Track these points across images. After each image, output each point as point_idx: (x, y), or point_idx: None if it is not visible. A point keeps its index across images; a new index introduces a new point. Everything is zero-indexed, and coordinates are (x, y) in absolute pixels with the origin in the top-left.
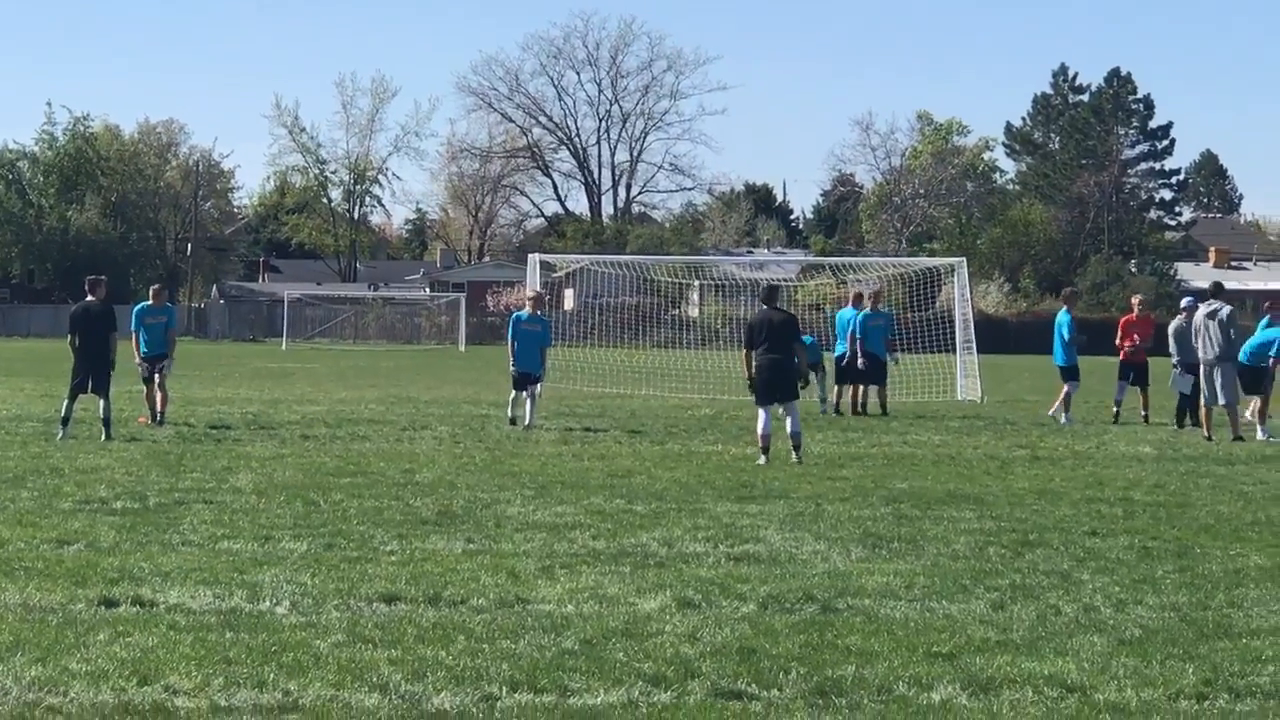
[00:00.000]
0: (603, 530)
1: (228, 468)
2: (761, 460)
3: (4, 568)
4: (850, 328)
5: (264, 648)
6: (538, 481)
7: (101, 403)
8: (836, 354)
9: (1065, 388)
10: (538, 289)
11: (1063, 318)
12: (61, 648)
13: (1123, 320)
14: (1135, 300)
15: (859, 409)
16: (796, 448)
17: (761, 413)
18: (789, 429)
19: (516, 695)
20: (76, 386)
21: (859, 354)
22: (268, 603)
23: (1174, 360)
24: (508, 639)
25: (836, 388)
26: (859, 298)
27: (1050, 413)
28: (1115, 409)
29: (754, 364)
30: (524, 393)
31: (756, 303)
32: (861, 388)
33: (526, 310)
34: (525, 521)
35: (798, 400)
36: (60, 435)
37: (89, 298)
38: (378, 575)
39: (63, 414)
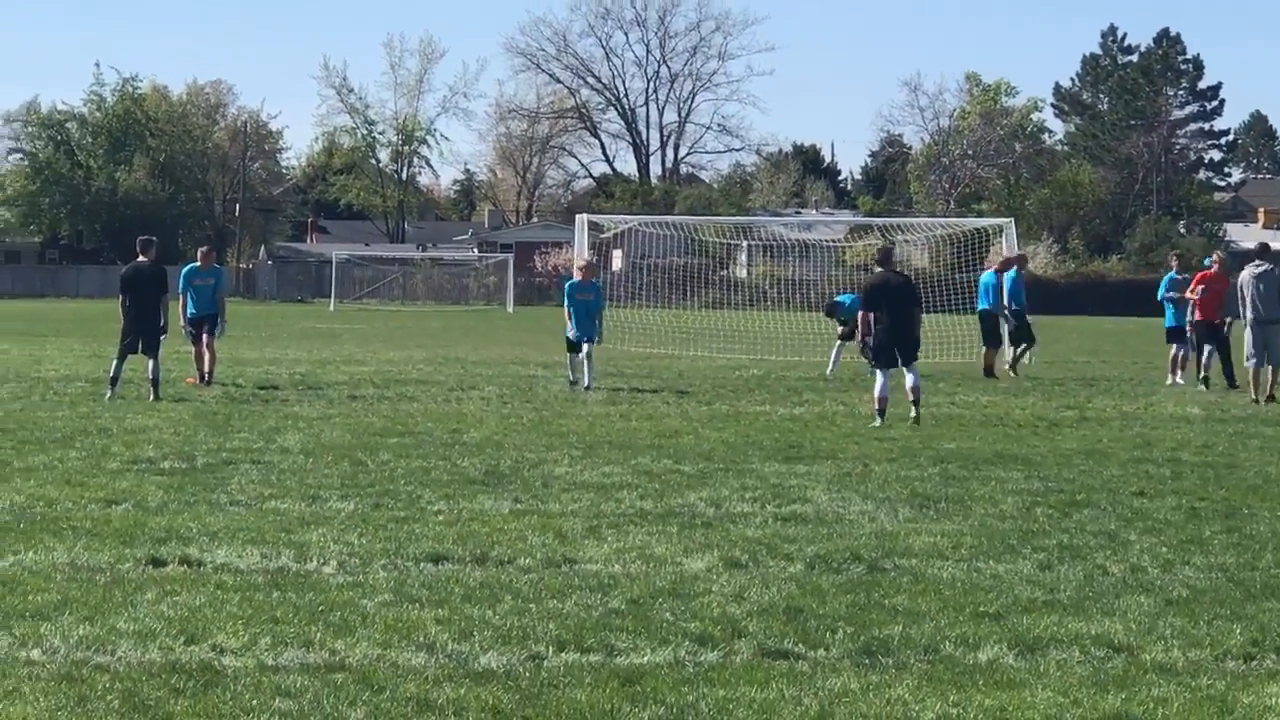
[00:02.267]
0: (650, 490)
1: (275, 428)
2: (877, 422)
3: (52, 527)
4: (1005, 289)
5: (311, 607)
6: (585, 441)
7: (150, 363)
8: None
9: (1171, 350)
10: (588, 257)
11: (1168, 278)
12: (109, 607)
13: (1202, 276)
14: (1217, 257)
15: (1003, 370)
16: (916, 402)
17: (880, 375)
18: (909, 383)
19: (563, 655)
20: (126, 347)
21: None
22: (315, 562)
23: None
24: (555, 599)
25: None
26: (1019, 260)
27: (1168, 384)
28: (1203, 373)
29: (873, 326)
30: (580, 354)
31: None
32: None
33: (578, 278)
34: (572, 481)
35: (917, 360)
36: (109, 395)
37: (140, 259)
38: (425, 535)
39: (111, 374)
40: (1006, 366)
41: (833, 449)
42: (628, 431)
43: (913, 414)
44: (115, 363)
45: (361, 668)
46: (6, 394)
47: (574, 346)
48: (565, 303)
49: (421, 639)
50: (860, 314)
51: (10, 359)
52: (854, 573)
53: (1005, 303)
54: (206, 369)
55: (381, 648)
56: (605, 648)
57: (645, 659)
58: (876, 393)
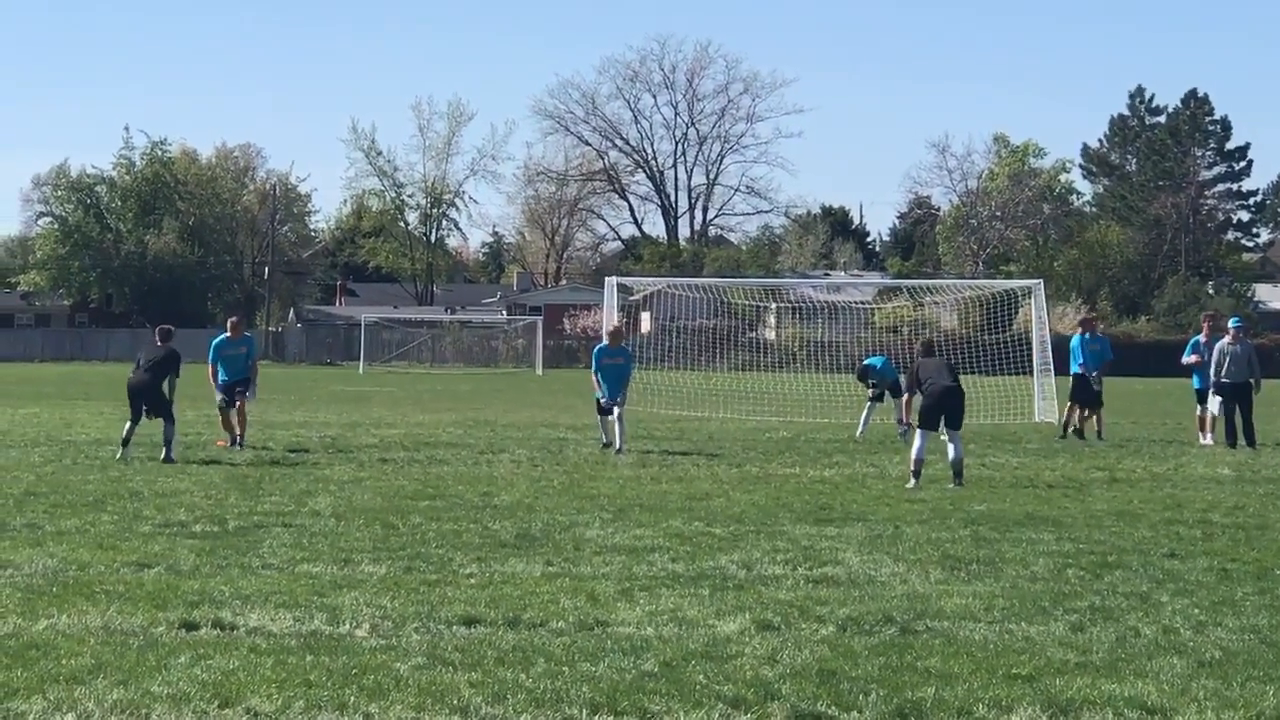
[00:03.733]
0: (682, 553)
1: (306, 491)
2: (911, 483)
3: (85, 590)
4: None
5: (345, 670)
6: (616, 504)
7: (165, 425)
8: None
9: (1199, 410)
10: (616, 322)
11: (1193, 342)
12: (143, 670)
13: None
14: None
15: (1075, 431)
16: (958, 474)
17: (919, 436)
18: (952, 454)
19: (597, 718)
20: (135, 416)
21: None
22: (348, 625)
23: (1212, 380)
24: (588, 661)
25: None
26: (1083, 323)
27: (1200, 444)
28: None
29: (922, 396)
30: (611, 417)
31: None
32: (1081, 410)
33: (607, 343)
34: (604, 544)
35: (961, 430)
36: (119, 454)
37: (158, 342)
38: (457, 598)
39: (123, 435)
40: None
41: (864, 511)
42: (659, 494)
43: (955, 484)
44: (127, 425)
45: None
46: (38, 457)
47: (605, 410)
48: (594, 366)
49: (455, 702)
50: (905, 398)
51: (41, 422)
52: (886, 635)
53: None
54: (238, 431)
55: (415, 711)
56: (639, 710)
57: None
58: (914, 454)
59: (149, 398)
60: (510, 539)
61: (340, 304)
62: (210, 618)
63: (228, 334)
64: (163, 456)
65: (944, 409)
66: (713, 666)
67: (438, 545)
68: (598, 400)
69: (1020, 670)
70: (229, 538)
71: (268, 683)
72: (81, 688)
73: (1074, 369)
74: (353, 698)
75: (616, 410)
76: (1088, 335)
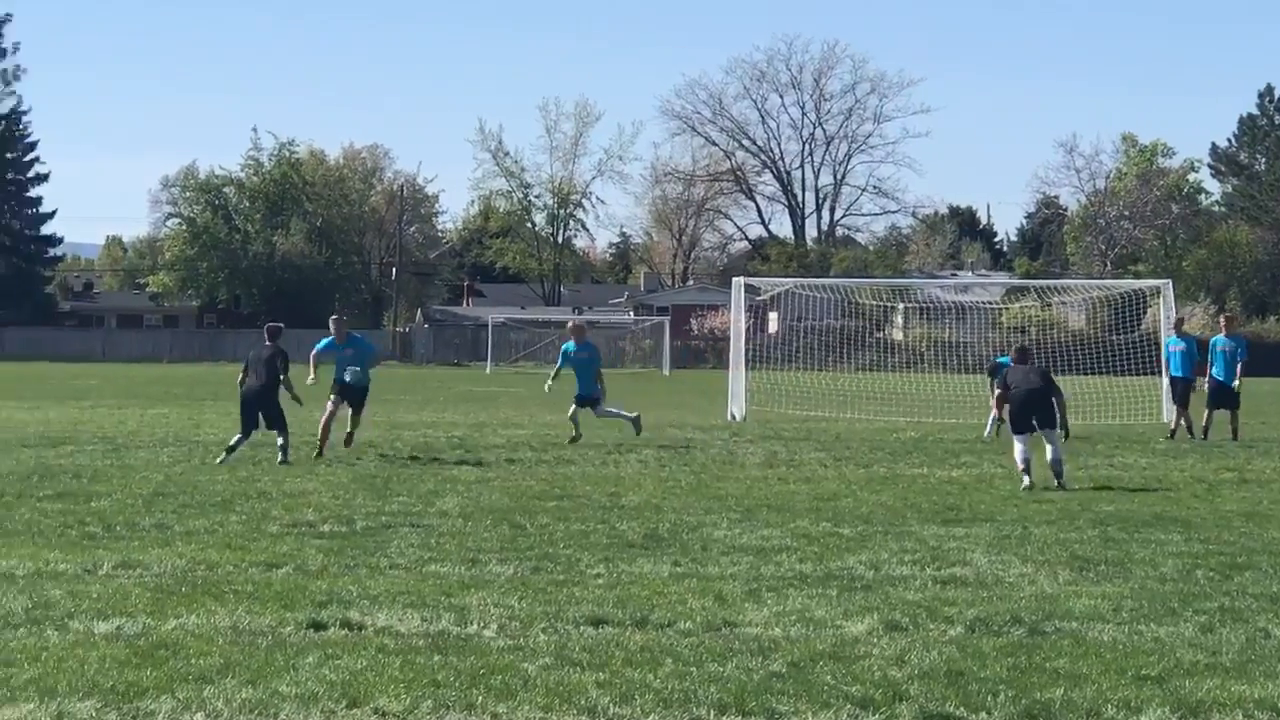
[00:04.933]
0: (809, 553)
1: (434, 491)
2: (1025, 482)
3: (214, 590)
4: (1217, 353)
5: (472, 670)
6: (744, 505)
7: (279, 433)
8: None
9: None
10: (576, 320)
11: None
12: (271, 670)
13: None
14: None
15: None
16: (1059, 475)
17: (1017, 441)
18: (1050, 457)
19: (725, 718)
20: (246, 429)
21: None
22: (476, 626)
23: None
24: (715, 662)
25: (1207, 412)
26: (1229, 321)
27: None
28: None
29: (1009, 399)
30: (582, 409)
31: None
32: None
33: (572, 342)
34: (732, 545)
35: (1056, 430)
36: (220, 459)
37: (266, 342)
38: (585, 598)
39: (231, 443)
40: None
41: (991, 512)
42: (786, 495)
43: (1056, 484)
44: (238, 435)
45: None
46: (167, 458)
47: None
48: (559, 363)
49: (583, 702)
50: (996, 395)
51: (170, 422)
52: (1014, 636)
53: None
54: (349, 429)
55: (543, 711)
56: (766, 711)
57: None
58: (1017, 457)
59: (264, 405)
60: (638, 539)
61: (468, 304)
62: (338, 618)
63: (331, 337)
64: (279, 459)
65: (1031, 410)
66: (840, 667)
67: (565, 545)
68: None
69: (1149, 671)
70: (357, 538)
71: (395, 683)
72: (210, 687)
73: (1214, 371)
74: (480, 698)
75: (596, 407)
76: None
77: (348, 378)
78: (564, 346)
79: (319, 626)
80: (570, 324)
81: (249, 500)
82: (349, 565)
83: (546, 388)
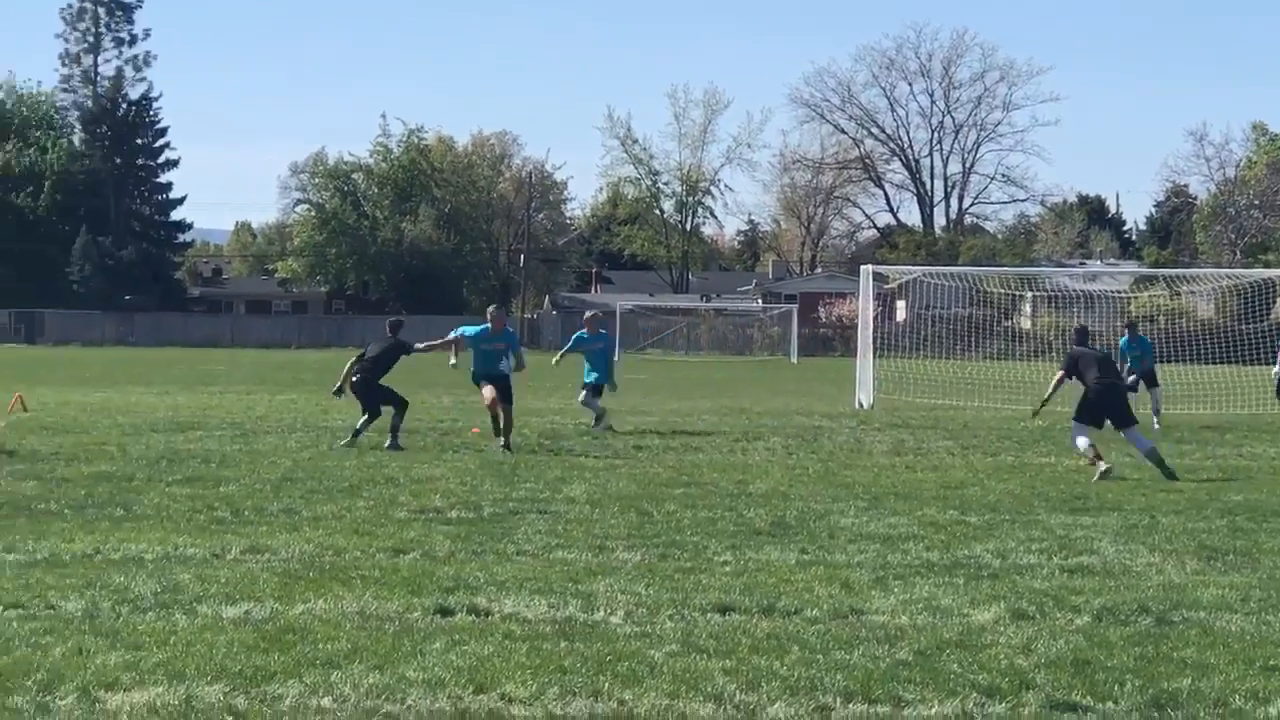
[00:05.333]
0: (936, 541)
1: (561, 478)
2: (1102, 466)
3: (341, 575)
4: None
5: (599, 657)
6: (871, 492)
7: (394, 414)
8: None
9: None
10: (593, 311)
11: None
12: (398, 655)
13: None
14: None
15: None
16: (1160, 464)
17: (1078, 428)
18: (1142, 451)
19: (851, 706)
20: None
21: None
22: (602, 612)
23: None
24: (841, 650)
25: None
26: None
27: None
28: None
29: (1084, 389)
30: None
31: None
32: None
33: (585, 330)
34: (859, 532)
35: (1135, 424)
36: (344, 441)
37: (387, 334)
38: (712, 585)
39: (357, 425)
40: None
41: (1118, 501)
42: (913, 482)
43: (1164, 474)
44: (364, 418)
45: (650, 718)
46: (295, 443)
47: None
48: (570, 348)
49: (709, 689)
50: (1057, 378)
51: (298, 408)
52: (1142, 625)
53: None
54: (504, 425)
55: (669, 698)
56: (893, 699)
57: (933, 710)
58: (1083, 446)
59: (370, 395)
60: (765, 526)
61: (596, 291)
62: (465, 603)
63: (488, 326)
64: (388, 444)
65: (1105, 407)
66: (967, 655)
67: (692, 532)
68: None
69: (1277, 662)
70: (484, 524)
71: (522, 669)
72: (337, 672)
73: None
74: (607, 684)
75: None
76: None
77: (504, 369)
78: (576, 335)
79: (446, 612)
80: (586, 315)
81: (376, 486)
82: (476, 551)
83: (555, 361)
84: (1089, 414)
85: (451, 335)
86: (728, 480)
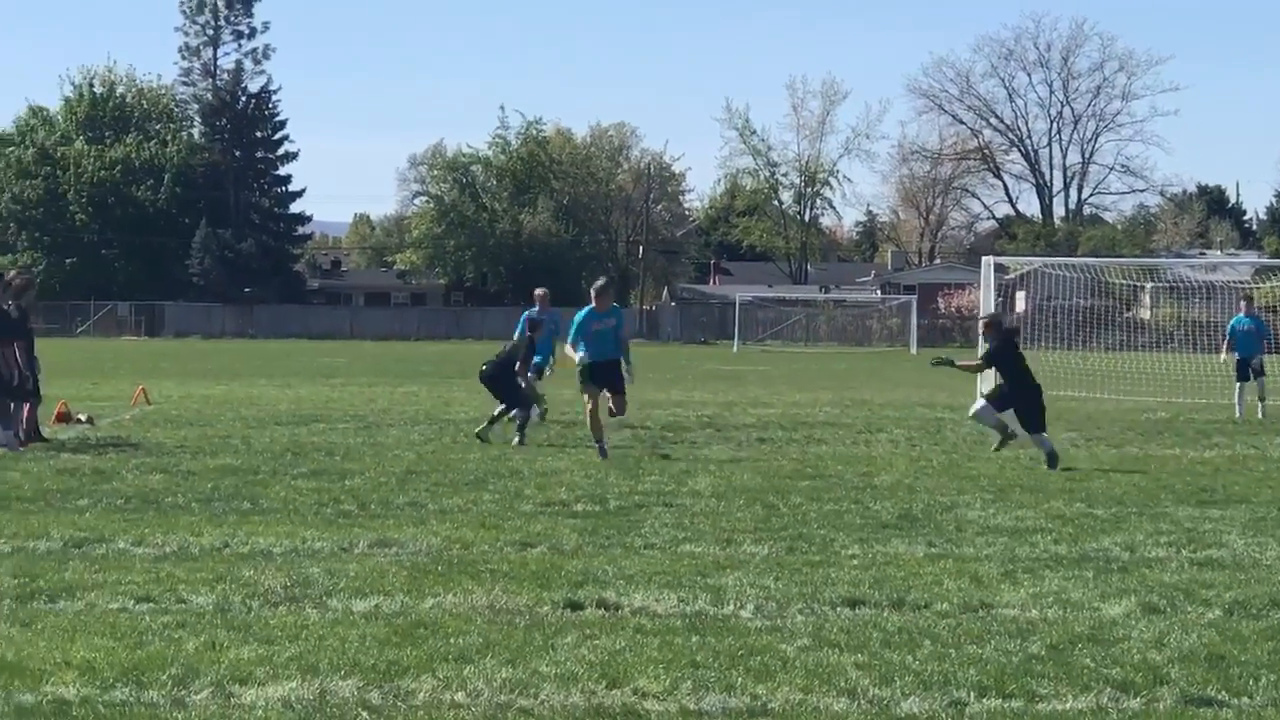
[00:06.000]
0: (1064, 535)
1: (686, 471)
2: (997, 442)
3: (470, 569)
4: None
5: (731, 651)
6: (996, 485)
7: (518, 411)
8: None
9: None
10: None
11: None
12: (530, 650)
13: None
14: None
15: None
16: (1050, 457)
17: (979, 402)
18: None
19: (985, 701)
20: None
21: None
22: (732, 606)
23: None
24: (973, 644)
25: None
26: None
27: None
28: None
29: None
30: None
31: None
32: None
33: (594, 305)
34: (986, 525)
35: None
36: (479, 429)
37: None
38: (841, 579)
39: (495, 412)
40: None
41: (1246, 493)
42: (1038, 475)
43: (1045, 465)
44: (500, 407)
45: (784, 713)
46: (418, 436)
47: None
48: (573, 335)
49: (842, 684)
50: (974, 364)
51: (420, 400)
52: (1274, 619)
53: None
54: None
55: (803, 693)
56: (1026, 694)
57: (1067, 705)
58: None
59: (496, 389)
60: (892, 520)
61: (714, 283)
62: (594, 597)
63: (592, 306)
64: (515, 440)
65: (1014, 405)
66: (1099, 650)
67: (819, 525)
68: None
69: None
70: (610, 517)
71: (654, 663)
72: (470, 666)
73: None
74: (739, 679)
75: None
76: None
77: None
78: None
79: (576, 606)
80: (537, 292)
81: (501, 479)
82: (603, 545)
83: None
84: (1000, 404)
85: (570, 351)
86: (852, 473)
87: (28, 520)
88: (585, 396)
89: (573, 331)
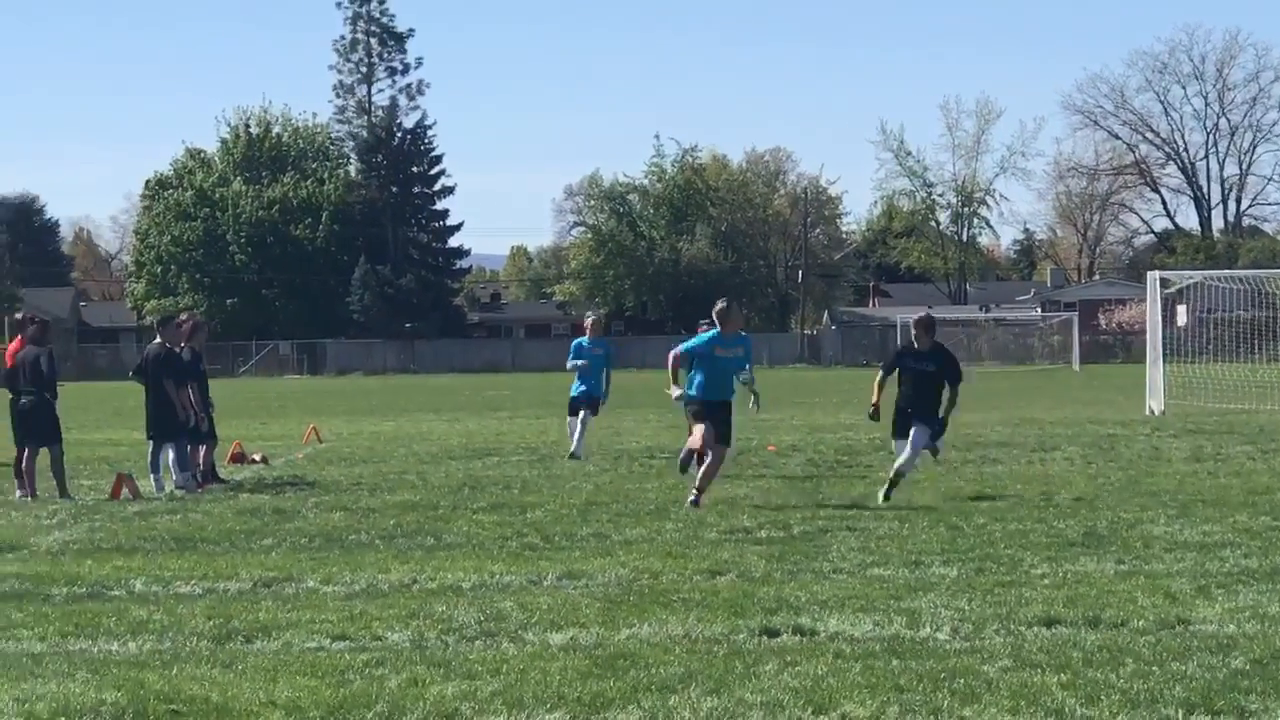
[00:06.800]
0: (1253, 548)
1: (864, 494)
2: (882, 497)
3: (661, 599)
4: None
5: (933, 674)
6: (1178, 500)
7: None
8: None
9: None
10: (595, 315)
11: None
12: (732, 678)
13: None
14: None
15: None
16: (893, 482)
17: (895, 444)
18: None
19: (1194, 718)
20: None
21: None
22: (928, 629)
23: None
24: (1176, 660)
25: None
26: None
27: None
28: None
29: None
30: (578, 418)
31: None
32: None
33: (587, 336)
34: (1173, 541)
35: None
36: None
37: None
38: (1034, 598)
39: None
40: None
41: None
42: (1219, 489)
43: (882, 491)
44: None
45: None
46: (593, 467)
47: (576, 408)
48: (573, 357)
49: (1049, 704)
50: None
51: (591, 430)
52: None
53: None
54: (702, 479)
55: (1010, 714)
56: (1237, 710)
57: None
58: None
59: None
60: (1077, 537)
61: (874, 305)
62: (790, 624)
63: (716, 331)
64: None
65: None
66: None
67: (1005, 545)
68: (573, 399)
69: None
70: (795, 542)
71: (858, 688)
72: (674, 696)
73: None
74: (945, 701)
75: (583, 414)
76: None
77: (733, 390)
78: (575, 344)
79: (772, 633)
80: (591, 319)
81: (681, 508)
82: (792, 571)
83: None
84: (898, 423)
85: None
86: (1032, 491)
87: (215, 561)
88: (692, 428)
89: (686, 355)
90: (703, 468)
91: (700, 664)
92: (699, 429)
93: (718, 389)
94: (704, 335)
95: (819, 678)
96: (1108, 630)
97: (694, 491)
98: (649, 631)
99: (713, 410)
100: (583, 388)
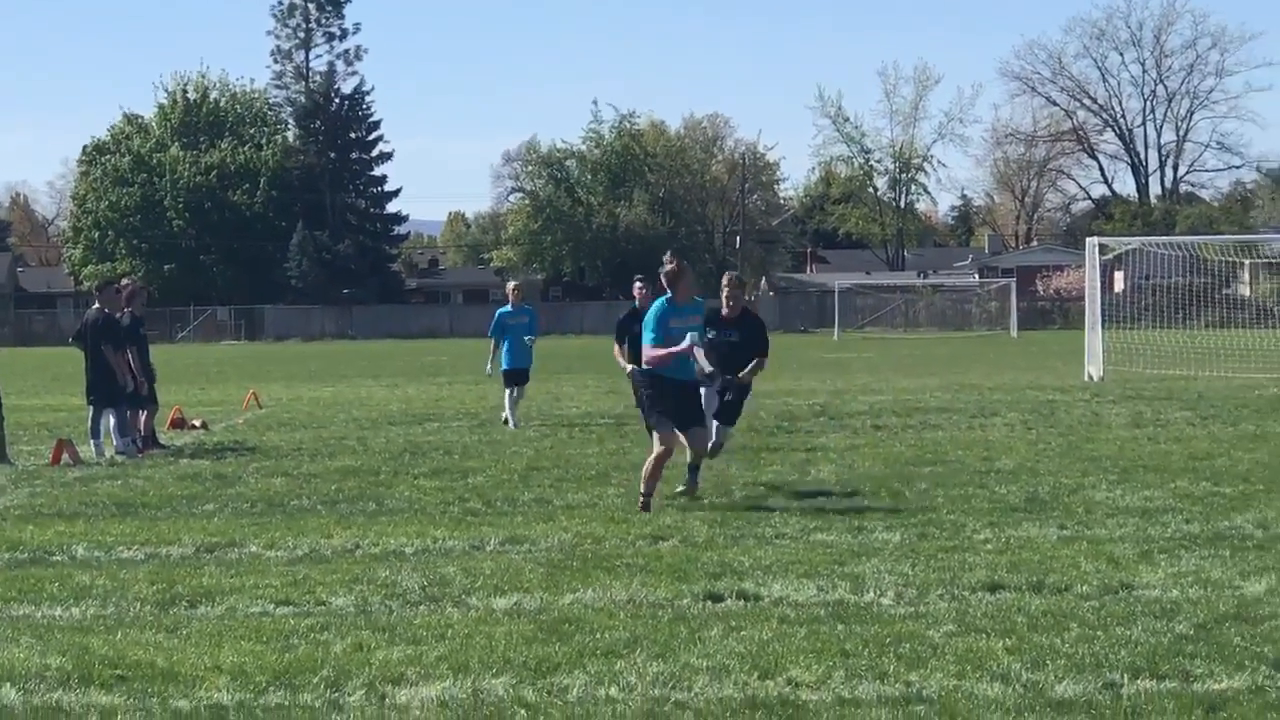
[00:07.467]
0: (1194, 513)
1: (806, 460)
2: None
3: (605, 564)
4: None
5: (878, 639)
6: (1118, 466)
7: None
8: None
9: None
10: (516, 281)
11: None
12: (678, 643)
13: None
14: None
15: None
16: (694, 468)
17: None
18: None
19: (1139, 682)
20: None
21: None
22: (872, 594)
23: None
24: (1120, 625)
25: None
26: None
27: None
28: None
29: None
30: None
31: None
32: None
33: (509, 304)
34: (1115, 506)
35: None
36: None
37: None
38: (977, 564)
39: None
40: None
41: None
42: (1159, 454)
43: (681, 486)
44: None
45: (940, 699)
46: (534, 433)
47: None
48: (494, 329)
49: (995, 669)
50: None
51: (530, 397)
52: None
53: None
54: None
55: (956, 678)
56: (1181, 674)
57: (1223, 685)
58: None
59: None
60: (1020, 503)
61: (811, 271)
62: (734, 589)
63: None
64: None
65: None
66: (1247, 628)
67: (948, 511)
68: (504, 372)
69: None
70: (737, 508)
71: (804, 653)
72: (620, 661)
73: None
74: (891, 666)
75: (515, 390)
76: None
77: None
78: (499, 313)
79: (716, 598)
80: (512, 285)
81: (623, 473)
82: (735, 536)
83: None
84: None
85: (687, 342)
86: (973, 457)
87: (157, 526)
88: (654, 436)
89: (651, 330)
90: (688, 458)
91: (645, 629)
92: (660, 433)
93: (678, 366)
94: (655, 308)
95: (764, 643)
96: (1051, 595)
97: (684, 484)
98: (593, 596)
99: (675, 393)
100: (512, 359)
